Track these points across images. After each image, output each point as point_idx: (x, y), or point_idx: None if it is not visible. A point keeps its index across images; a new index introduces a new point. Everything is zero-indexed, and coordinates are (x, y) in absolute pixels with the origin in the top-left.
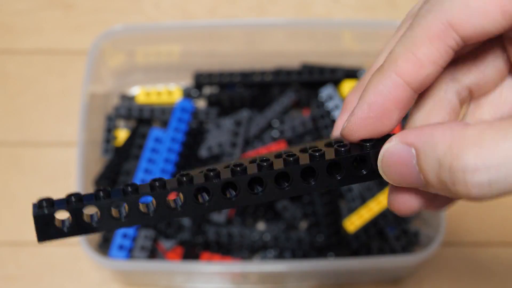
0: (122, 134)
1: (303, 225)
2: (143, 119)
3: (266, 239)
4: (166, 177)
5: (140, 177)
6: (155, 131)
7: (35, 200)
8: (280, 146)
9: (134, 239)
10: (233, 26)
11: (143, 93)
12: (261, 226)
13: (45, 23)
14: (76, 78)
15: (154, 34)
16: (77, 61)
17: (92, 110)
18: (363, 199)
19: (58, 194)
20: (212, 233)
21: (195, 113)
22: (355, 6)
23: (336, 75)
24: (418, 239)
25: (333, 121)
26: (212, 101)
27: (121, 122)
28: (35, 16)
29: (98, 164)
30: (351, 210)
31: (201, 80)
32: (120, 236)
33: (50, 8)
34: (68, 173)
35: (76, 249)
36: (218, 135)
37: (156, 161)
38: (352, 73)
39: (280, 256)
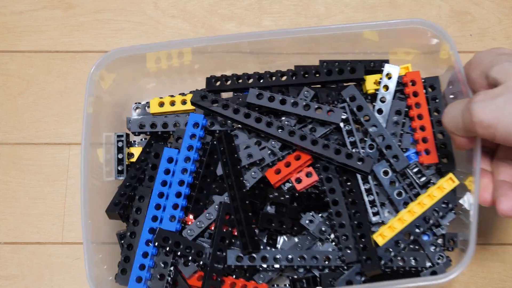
0: (137, 151)
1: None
2: (155, 133)
3: (291, 259)
4: (180, 201)
5: (154, 202)
6: (167, 151)
7: (34, 199)
8: (305, 159)
9: (152, 268)
10: (242, 38)
11: (156, 102)
12: (286, 241)
13: (45, 23)
14: (76, 78)
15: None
16: (77, 61)
17: (100, 121)
18: (394, 209)
19: (58, 194)
20: (232, 258)
21: (209, 124)
22: (355, 5)
23: (357, 74)
24: (455, 244)
25: (357, 123)
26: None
27: (135, 138)
28: (35, 16)
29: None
30: (380, 220)
31: (213, 85)
32: (137, 268)
33: (50, 8)
34: (68, 173)
35: (76, 249)
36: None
37: (170, 184)
38: (375, 67)
39: (307, 273)
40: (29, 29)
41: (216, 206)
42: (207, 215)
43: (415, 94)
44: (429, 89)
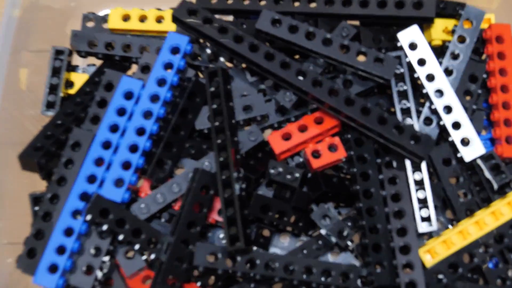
0: (80, 80)
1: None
2: (111, 57)
3: (291, 271)
4: (135, 158)
5: (95, 154)
6: (127, 82)
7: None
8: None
9: (76, 254)
10: None
11: (119, 14)
12: (284, 241)
13: None
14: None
15: None
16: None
17: (31, 31)
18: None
19: None
20: (202, 255)
21: (193, 55)
22: None
23: (424, 11)
24: None
25: (414, 82)
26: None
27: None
28: None
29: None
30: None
31: (207, 1)
32: (52, 250)
33: None
34: None
35: None
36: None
37: (123, 131)
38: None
39: None
40: None
41: (189, 175)
42: (173, 186)
43: (501, 56)
44: None
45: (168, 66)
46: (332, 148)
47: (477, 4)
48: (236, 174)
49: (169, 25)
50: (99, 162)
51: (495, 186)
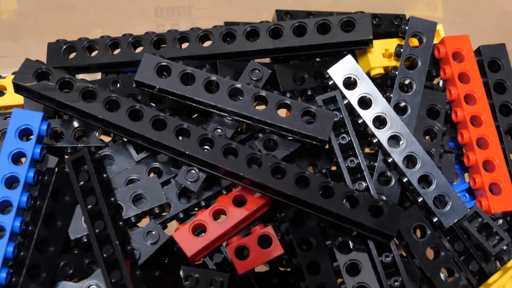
0: None
1: None
2: None
3: None
4: None
5: None
6: None
7: None
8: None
9: None
10: None
11: None
12: None
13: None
14: None
15: None
16: None
17: None
18: None
19: None
20: None
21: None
22: None
23: (357, 33)
24: None
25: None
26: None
27: None
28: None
29: None
30: None
31: (62, 57)
32: None
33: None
34: None
35: None
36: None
37: None
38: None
39: None
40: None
41: None
42: None
43: (464, 78)
44: (488, 69)
45: (18, 158)
46: (264, 241)
47: (417, 13)
48: None
49: (13, 98)
50: None
51: (492, 253)
